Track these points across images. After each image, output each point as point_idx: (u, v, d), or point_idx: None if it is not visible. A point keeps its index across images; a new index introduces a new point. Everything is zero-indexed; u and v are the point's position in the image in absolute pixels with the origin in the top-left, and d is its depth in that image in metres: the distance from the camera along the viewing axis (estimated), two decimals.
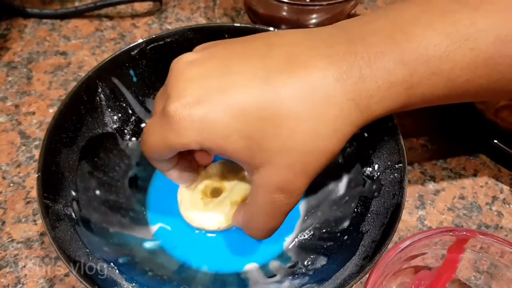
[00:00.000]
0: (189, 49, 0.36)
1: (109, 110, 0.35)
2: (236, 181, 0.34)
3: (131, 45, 0.34)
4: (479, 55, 0.24)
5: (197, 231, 0.34)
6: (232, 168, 0.35)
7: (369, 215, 0.30)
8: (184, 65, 0.26)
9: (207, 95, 0.24)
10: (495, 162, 0.39)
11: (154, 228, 0.34)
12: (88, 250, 0.27)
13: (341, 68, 0.24)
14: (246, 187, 0.33)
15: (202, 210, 0.33)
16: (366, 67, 0.24)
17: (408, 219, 0.36)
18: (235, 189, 0.33)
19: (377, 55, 0.24)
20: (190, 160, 0.33)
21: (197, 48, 0.28)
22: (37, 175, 0.28)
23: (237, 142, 0.24)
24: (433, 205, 0.37)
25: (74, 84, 0.38)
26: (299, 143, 0.24)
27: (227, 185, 0.34)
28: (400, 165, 0.29)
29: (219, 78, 0.24)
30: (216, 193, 0.34)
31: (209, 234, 0.34)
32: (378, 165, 0.31)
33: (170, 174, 0.31)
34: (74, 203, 0.30)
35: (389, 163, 0.30)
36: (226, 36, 0.36)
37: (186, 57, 0.26)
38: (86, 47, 0.47)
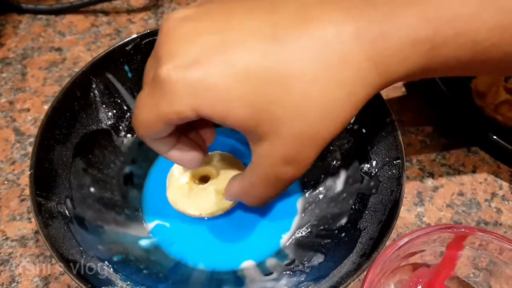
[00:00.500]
0: None
1: (104, 106, 0.34)
2: (225, 171, 0.33)
3: (125, 40, 0.34)
4: (509, 17, 0.21)
5: (197, 220, 0.34)
6: (224, 158, 0.34)
7: (366, 212, 0.29)
8: (176, 22, 0.22)
9: (204, 55, 0.21)
10: (495, 158, 0.39)
11: (151, 225, 0.34)
12: (81, 248, 0.27)
13: (358, 23, 0.21)
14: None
15: (186, 195, 0.33)
16: (386, 23, 0.21)
17: (406, 216, 0.36)
18: (222, 178, 0.33)
19: (399, 9, 0.21)
20: (192, 138, 0.28)
21: (192, 4, 0.25)
22: (29, 173, 0.28)
23: (240, 109, 0.21)
24: (432, 202, 0.36)
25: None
26: (310, 109, 0.21)
27: (216, 173, 0.33)
28: (398, 161, 0.29)
29: (218, 35, 0.21)
30: (204, 180, 0.34)
31: (206, 230, 0.34)
32: (376, 161, 0.31)
33: (171, 155, 0.27)
34: (68, 201, 0.29)
35: (387, 159, 0.30)
36: None
37: (178, 13, 0.23)
38: (81, 43, 0.47)
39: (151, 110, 0.22)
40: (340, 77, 0.21)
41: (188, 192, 0.33)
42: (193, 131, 0.29)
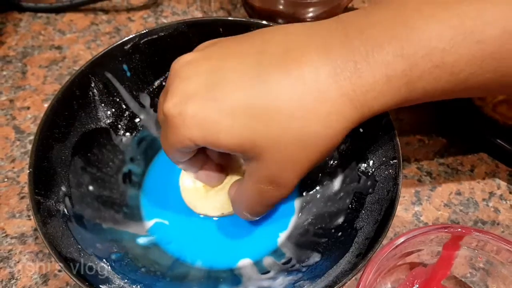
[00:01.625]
0: (184, 43, 0.36)
1: (103, 105, 0.34)
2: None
3: (124, 39, 0.34)
4: (485, 48, 0.22)
5: (197, 220, 0.35)
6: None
7: (363, 212, 0.30)
8: (181, 65, 0.26)
9: (196, 92, 0.24)
10: (493, 157, 0.39)
11: (149, 223, 0.34)
12: (80, 247, 0.27)
13: (335, 62, 0.23)
14: None
15: (204, 197, 0.33)
16: (362, 61, 0.23)
17: (404, 215, 0.36)
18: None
19: (374, 48, 0.23)
20: (215, 160, 0.33)
21: (198, 47, 0.28)
22: (28, 171, 0.28)
23: (228, 140, 0.24)
24: (429, 201, 0.36)
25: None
26: (289, 141, 0.23)
27: (229, 172, 0.34)
28: (395, 161, 0.29)
29: (210, 75, 0.24)
30: None
31: (204, 228, 0.34)
32: (373, 161, 0.31)
33: (198, 176, 0.32)
34: (67, 199, 0.29)
35: (384, 159, 0.30)
36: (221, 30, 0.36)
37: (184, 58, 0.26)
38: (81, 41, 0.47)
39: (164, 140, 0.26)
40: (316, 112, 0.23)
41: (205, 194, 0.34)
42: (216, 153, 0.32)
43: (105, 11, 0.49)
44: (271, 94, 0.23)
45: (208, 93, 0.24)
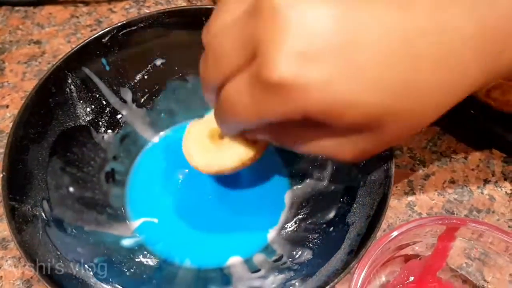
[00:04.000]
0: (165, 34, 0.35)
1: (81, 101, 0.33)
2: None
3: (101, 32, 0.33)
4: None
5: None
6: None
7: (355, 206, 0.29)
8: (293, 5, 0.17)
9: (325, 50, 0.17)
10: (487, 144, 0.38)
11: (136, 223, 0.33)
12: (59, 253, 0.26)
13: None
14: None
15: (218, 152, 0.29)
16: None
17: (397, 205, 0.35)
18: None
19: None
20: None
21: None
22: (1, 175, 0.26)
23: (355, 115, 0.18)
24: (423, 190, 0.36)
25: None
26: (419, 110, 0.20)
27: None
28: (387, 152, 0.28)
29: (343, 25, 0.17)
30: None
31: (194, 224, 0.33)
32: None
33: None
34: (45, 203, 0.28)
35: None
36: (204, 19, 0.34)
37: None
38: (60, 34, 0.45)
39: (252, 105, 0.19)
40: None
41: (218, 149, 0.29)
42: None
43: (86, 3, 0.48)
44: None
45: (337, 51, 0.17)
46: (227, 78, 0.20)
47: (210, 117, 0.30)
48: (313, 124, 0.20)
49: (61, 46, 0.44)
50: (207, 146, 0.29)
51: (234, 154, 0.28)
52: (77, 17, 0.47)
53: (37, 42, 0.45)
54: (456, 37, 0.18)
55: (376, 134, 0.20)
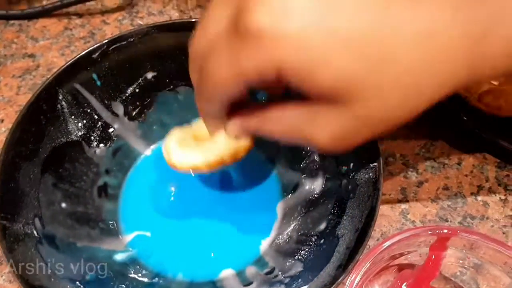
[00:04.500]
0: (155, 48, 0.35)
1: (73, 117, 0.33)
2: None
3: (91, 48, 0.33)
4: None
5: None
6: None
7: (344, 218, 0.29)
8: None
9: (302, 5, 0.18)
10: (481, 149, 0.37)
11: (129, 237, 0.33)
12: (50, 271, 0.26)
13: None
14: None
15: (197, 147, 0.29)
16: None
17: (390, 213, 0.35)
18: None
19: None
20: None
21: None
22: None
23: (326, 77, 0.19)
24: (416, 198, 0.35)
25: None
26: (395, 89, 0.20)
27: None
28: (375, 164, 0.28)
29: None
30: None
31: (187, 237, 0.33)
32: (354, 163, 0.30)
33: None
34: (37, 220, 0.28)
35: (364, 161, 0.29)
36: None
37: None
38: (54, 47, 0.45)
39: (229, 60, 0.20)
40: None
41: (199, 146, 0.29)
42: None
43: (79, 15, 0.48)
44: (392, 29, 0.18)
45: (317, 9, 0.18)
46: (211, 45, 0.20)
47: (194, 124, 0.30)
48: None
49: (55, 59, 0.45)
50: (188, 143, 0.29)
51: (215, 149, 0.28)
52: (71, 29, 0.47)
53: (31, 56, 0.45)
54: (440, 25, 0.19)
55: (347, 110, 0.20)
